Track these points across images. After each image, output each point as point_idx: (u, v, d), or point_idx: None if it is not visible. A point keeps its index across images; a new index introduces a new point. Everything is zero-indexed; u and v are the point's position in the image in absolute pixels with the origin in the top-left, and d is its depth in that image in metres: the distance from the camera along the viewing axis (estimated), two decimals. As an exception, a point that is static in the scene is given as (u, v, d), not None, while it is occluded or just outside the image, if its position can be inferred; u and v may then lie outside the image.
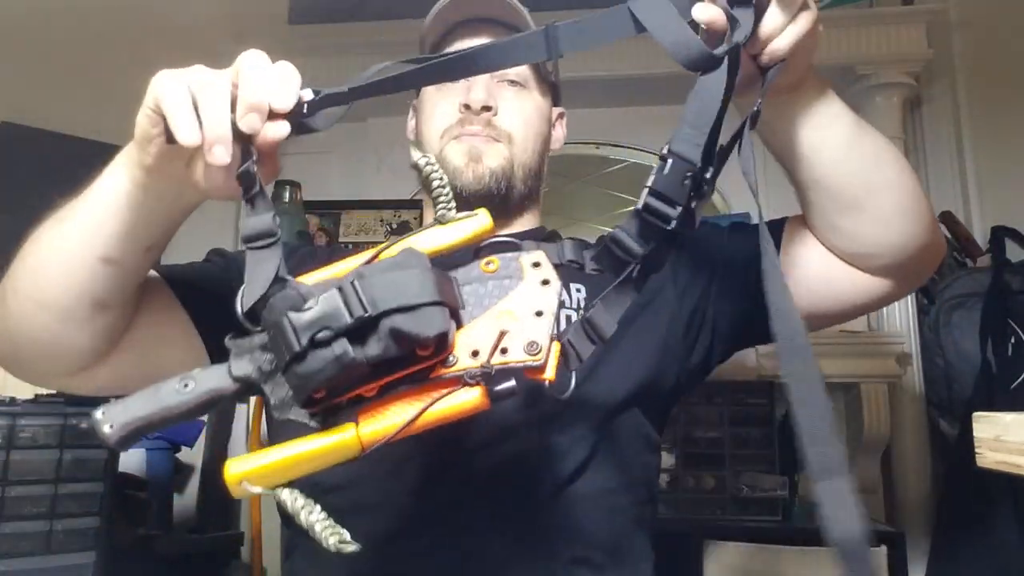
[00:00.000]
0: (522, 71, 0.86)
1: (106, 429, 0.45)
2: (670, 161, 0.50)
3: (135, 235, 0.60)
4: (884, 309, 2.04)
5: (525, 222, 0.90)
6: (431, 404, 0.45)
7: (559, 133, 0.96)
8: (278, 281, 0.46)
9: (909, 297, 2.02)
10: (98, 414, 0.45)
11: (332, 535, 0.44)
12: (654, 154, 2.38)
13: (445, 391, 0.45)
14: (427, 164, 0.55)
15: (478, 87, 0.83)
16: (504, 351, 0.46)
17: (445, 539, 0.70)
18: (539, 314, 0.48)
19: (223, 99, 0.50)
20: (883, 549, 1.60)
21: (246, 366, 0.46)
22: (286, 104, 0.51)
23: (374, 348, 0.42)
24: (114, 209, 0.59)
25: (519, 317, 0.48)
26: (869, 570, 0.40)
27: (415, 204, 2.33)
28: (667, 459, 1.79)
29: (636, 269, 0.52)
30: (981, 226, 2.02)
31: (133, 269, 0.62)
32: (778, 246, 0.77)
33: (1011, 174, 2.04)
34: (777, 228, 0.80)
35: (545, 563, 0.70)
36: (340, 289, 0.43)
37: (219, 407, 0.48)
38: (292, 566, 0.79)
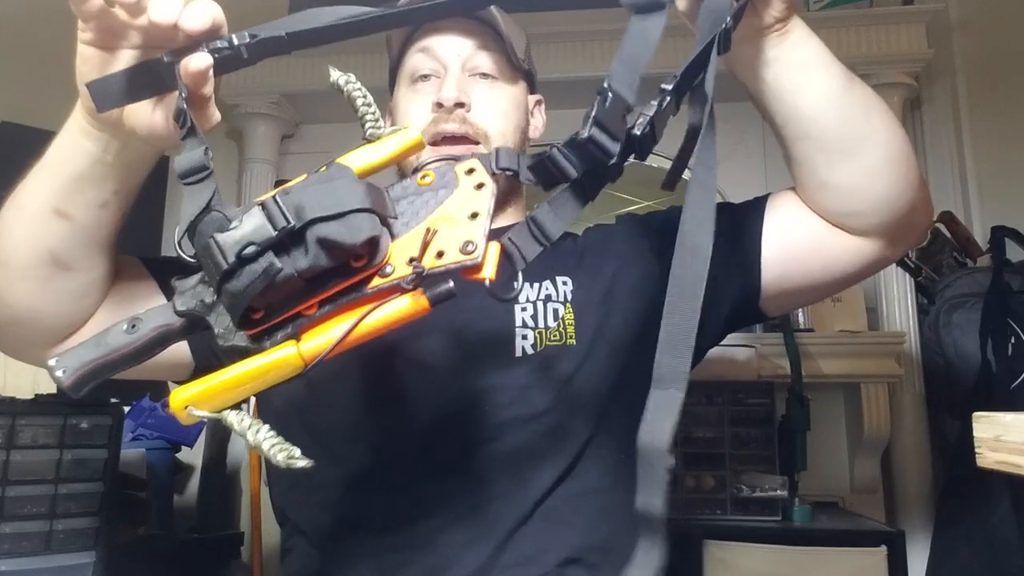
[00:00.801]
0: (493, 64, 0.84)
1: (59, 374, 0.45)
2: (609, 95, 0.49)
3: (85, 187, 0.61)
4: (884, 309, 2.04)
5: (509, 216, 0.89)
6: (368, 313, 0.44)
7: (538, 121, 0.94)
8: (209, 210, 0.46)
9: (909, 297, 2.03)
10: (52, 361, 0.45)
11: (281, 451, 0.43)
12: (654, 154, 2.38)
13: (382, 300, 0.45)
14: (348, 83, 0.54)
15: (449, 84, 0.81)
16: (440, 254, 0.46)
17: (432, 538, 0.70)
18: (474, 216, 0.48)
19: None
20: (883, 549, 1.60)
21: (188, 300, 0.46)
22: (194, 25, 0.52)
23: (303, 259, 0.42)
24: (65, 160, 0.60)
25: (454, 220, 0.48)
26: (662, 479, 0.40)
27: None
28: (667, 459, 1.79)
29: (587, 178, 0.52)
30: (981, 226, 2.02)
31: (87, 225, 0.62)
32: (762, 219, 0.77)
33: (1011, 174, 2.05)
34: (761, 202, 0.79)
35: (537, 562, 0.70)
36: (263, 205, 0.43)
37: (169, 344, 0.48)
38: (289, 567, 0.79)
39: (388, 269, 0.46)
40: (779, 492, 1.74)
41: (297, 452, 0.43)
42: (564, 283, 0.81)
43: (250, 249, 0.41)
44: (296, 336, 0.45)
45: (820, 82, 0.67)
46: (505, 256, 0.50)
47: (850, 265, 0.75)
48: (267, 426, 0.44)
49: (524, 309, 0.78)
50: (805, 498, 1.82)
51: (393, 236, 0.47)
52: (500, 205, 0.87)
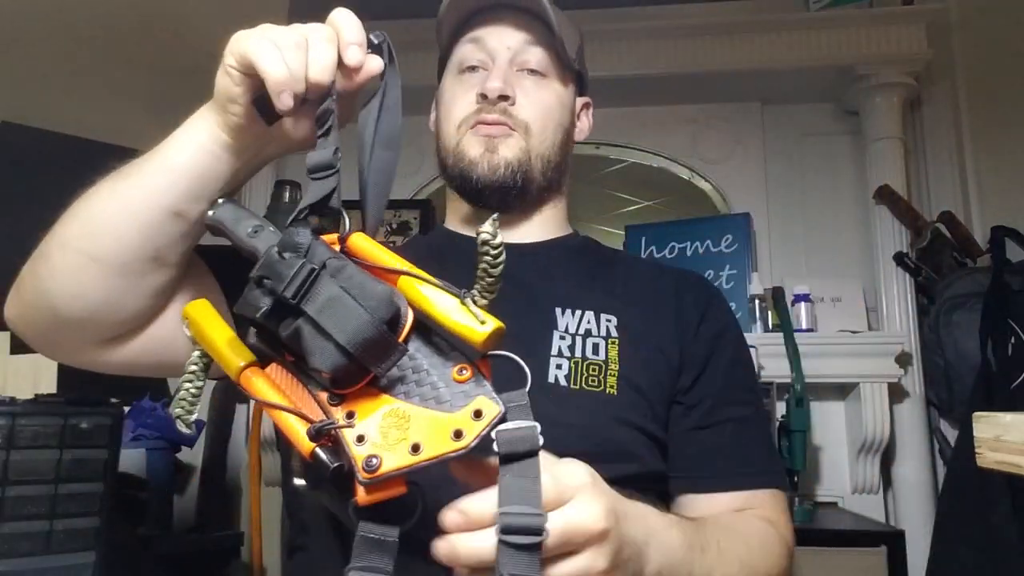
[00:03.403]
0: (542, 59, 0.83)
1: (210, 212, 0.56)
2: None
3: (210, 190, 0.60)
4: (884, 309, 2.04)
5: (549, 220, 0.87)
6: (284, 410, 0.44)
7: (584, 124, 0.93)
8: (319, 207, 0.50)
9: (909, 297, 2.03)
10: (220, 199, 0.58)
11: (177, 406, 0.49)
12: (654, 154, 2.39)
13: (299, 414, 0.44)
14: (487, 242, 0.45)
15: (495, 76, 0.81)
16: (361, 439, 0.43)
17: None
18: (415, 449, 0.42)
19: (302, 48, 0.54)
20: (883, 549, 1.60)
21: (279, 246, 0.48)
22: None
23: (281, 327, 0.44)
24: (192, 166, 0.59)
25: (408, 437, 0.43)
26: None
27: (415, 204, 2.32)
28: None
29: None
30: (981, 226, 2.02)
31: (199, 223, 0.61)
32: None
33: (1011, 174, 2.04)
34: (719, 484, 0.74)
35: None
36: (304, 264, 0.44)
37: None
38: (293, 566, 0.78)
39: (334, 399, 0.45)
40: (779, 492, 1.74)
41: (190, 419, 0.49)
42: (608, 320, 0.78)
43: (267, 283, 0.44)
44: (274, 358, 0.47)
45: None
46: (401, 498, 0.44)
47: None
48: (199, 384, 0.49)
49: (563, 338, 0.75)
50: (805, 498, 1.82)
51: (377, 385, 0.45)
52: (537, 203, 0.86)
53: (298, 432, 0.44)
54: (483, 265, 0.45)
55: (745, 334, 2.18)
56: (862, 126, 2.15)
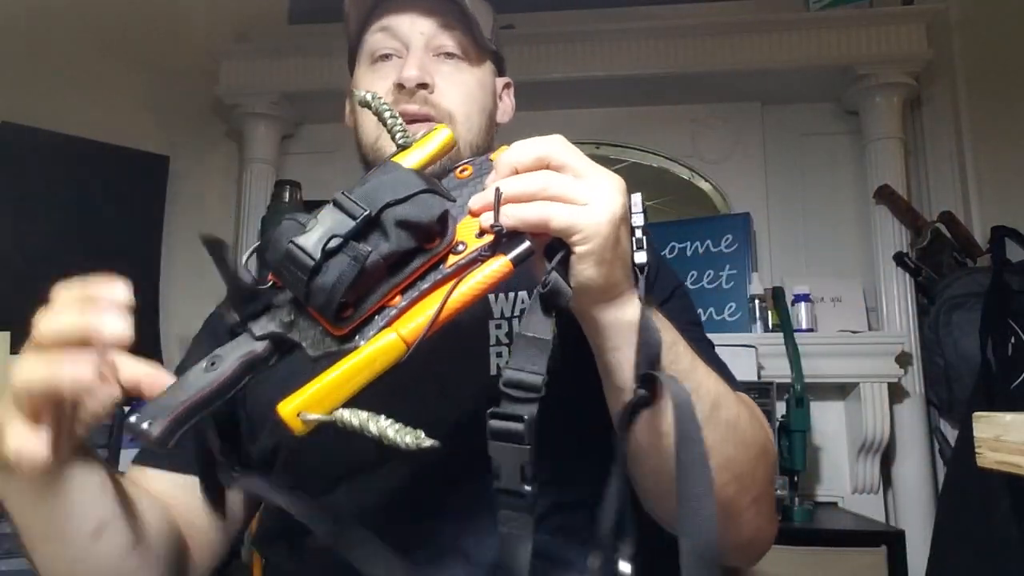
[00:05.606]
0: (459, 43, 0.79)
1: (145, 426, 0.43)
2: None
3: (78, 518, 0.54)
4: (884, 309, 2.04)
5: None
6: (456, 285, 0.46)
7: (507, 104, 0.89)
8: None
9: (909, 297, 2.03)
10: (133, 418, 0.43)
11: (408, 435, 0.43)
12: (654, 154, 2.39)
13: (466, 272, 0.47)
14: (375, 99, 0.58)
15: (411, 63, 0.76)
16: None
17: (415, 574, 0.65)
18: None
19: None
20: (883, 549, 1.60)
21: (266, 324, 0.47)
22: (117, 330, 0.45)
23: (385, 244, 0.45)
24: (35, 520, 0.54)
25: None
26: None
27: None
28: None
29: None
30: (981, 226, 2.02)
31: (117, 535, 0.57)
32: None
33: (1011, 174, 2.05)
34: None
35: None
36: (335, 202, 0.46)
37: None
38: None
39: (460, 247, 0.48)
40: (779, 492, 1.74)
41: (422, 434, 0.43)
42: (523, 301, 0.74)
43: (334, 241, 0.43)
44: (388, 326, 0.46)
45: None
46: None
47: None
48: (383, 415, 0.43)
49: (499, 327, 0.72)
50: (805, 498, 1.82)
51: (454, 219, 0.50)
52: None
53: (493, 271, 0.47)
54: (387, 117, 0.56)
55: (745, 334, 2.16)
56: (862, 126, 2.15)
